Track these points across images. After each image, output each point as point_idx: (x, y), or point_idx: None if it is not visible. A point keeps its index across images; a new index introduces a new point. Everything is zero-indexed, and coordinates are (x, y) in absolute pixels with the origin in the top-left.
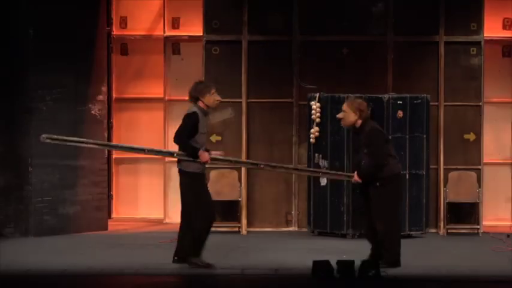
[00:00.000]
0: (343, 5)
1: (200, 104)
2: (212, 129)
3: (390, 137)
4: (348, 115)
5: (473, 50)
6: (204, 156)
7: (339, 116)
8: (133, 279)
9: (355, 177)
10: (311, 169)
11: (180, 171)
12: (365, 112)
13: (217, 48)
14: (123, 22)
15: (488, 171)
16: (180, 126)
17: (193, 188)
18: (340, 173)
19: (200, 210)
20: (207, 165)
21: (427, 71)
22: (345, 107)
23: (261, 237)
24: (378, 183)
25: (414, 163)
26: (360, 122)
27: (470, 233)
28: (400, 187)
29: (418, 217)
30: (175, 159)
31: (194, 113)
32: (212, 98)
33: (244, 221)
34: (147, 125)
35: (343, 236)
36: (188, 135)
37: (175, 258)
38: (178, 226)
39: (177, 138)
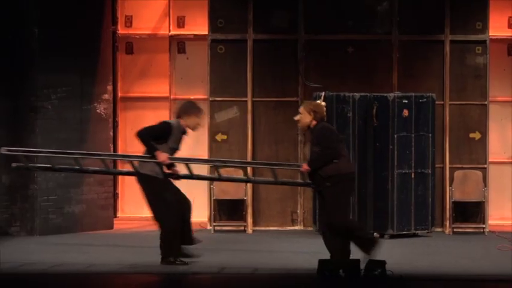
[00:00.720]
0: (348, 3)
1: (181, 122)
2: (217, 129)
3: (396, 136)
4: (303, 117)
5: (478, 49)
6: (161, 156)
7: (296, 118)
8: (139, 277)
9: (304, 166)
10: (266, 179)
11: (136, 173)
12: (319, 114)
13: (223, 47)
14: (129, 21)
15: (493, 170)
16: (148, 126)
17: (148, 189)
18: (291, 163)
19: (164, 211)
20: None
21: (432, 69)
22: (301, 109)
23: (267, 236)
24: (328, 183)
25: (420, 162)
26: (314, 123)
27: (476, 232)
28: (350, 186)
29: (423, 216)
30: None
31: (169, 123)
32: (195, 121)
33: (249, 220)
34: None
35: None
36: (152, 136)
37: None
38: None
39: (140, 133)
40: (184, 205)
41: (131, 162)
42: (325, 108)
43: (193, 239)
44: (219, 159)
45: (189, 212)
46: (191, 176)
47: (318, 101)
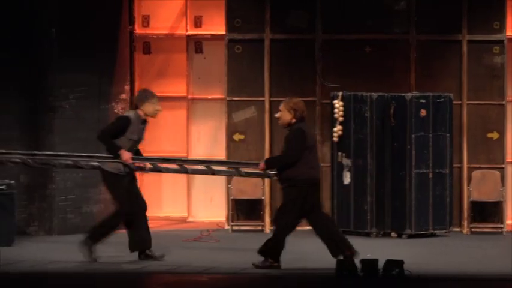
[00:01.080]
0: (366, 3)
1: (139, 112)
2: (235, 128)
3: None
4: (284, 114)
5: (496, 49)
6: (125, 155)
7: (276, 115)
8: (156, 277)
9: (261, 165)
10: (228, 170)
11: (100, 169)
12: (299, 112)
13: (240, 46)
14: (146, 21)
15: (511, 169)
16: (107, 125)
17: (110, 188)
18: (249, 162)
19: (119, 207)
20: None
21: (449, 69)
22: (281, 107)
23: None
24: (286, 184)
25: (437, 162)
26: (294, 121)
27: (493, 231)
28: (307, 192)
29: (441, 216)
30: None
31: (126, 117)
32: (151, 107)
33: (267, 219)
34: (170, 123)
35: (367, 235)
36: (112, 135)
37: (141, 256)
38: (202, 224)
39: (100, 136)
40: (142, 210)
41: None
42: (304, 107)
43: (150, 243)
44: (180, 158)
45: (145, 215)
46: (160, 169)
47: (293, 99)
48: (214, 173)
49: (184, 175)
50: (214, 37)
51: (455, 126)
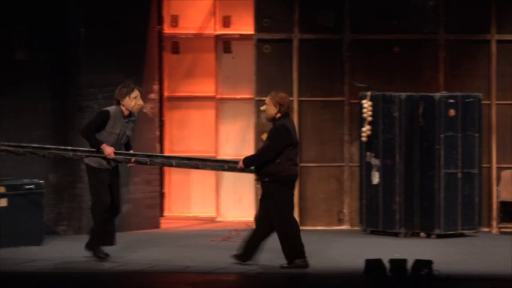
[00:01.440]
0: (394, 3)
1: (122, 107)
2: (263, 128)
3: (442, 136)
4: (269, 108)
5: None
6: (107, 149)
7: (262, 108)
8: (185, 277)
9: (240, 163)
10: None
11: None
12: (285, 107)
13: (268, 46)
14: (175, 21)
15: None
16: (89, 121)
17: (91, 180)
18: (226, 159)
19: (97, 204)
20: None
21: (478, 69)
22: (267, 100)
23: (313, 236)
24: (266, 179)
25: (466, 162)
26: (278, 115)
27: None
28: (287, 188)
29: (470, 216)
30: None
31: (106, 111)
32: (133, 101)
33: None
34: (199, 123)
35: (396, 235)
36: (92, 129)
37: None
38: (231, 224)
39: (82, 131)
40: (114, 208)
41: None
42: (290, 101)
43: (114, 240)
44: (155, 153)
45: (115, 214)
46: (145, 162)
47: (279, 93)
48: (198, 166)
49: (214, 175)
50: (243, 37)
51: (484, 126)
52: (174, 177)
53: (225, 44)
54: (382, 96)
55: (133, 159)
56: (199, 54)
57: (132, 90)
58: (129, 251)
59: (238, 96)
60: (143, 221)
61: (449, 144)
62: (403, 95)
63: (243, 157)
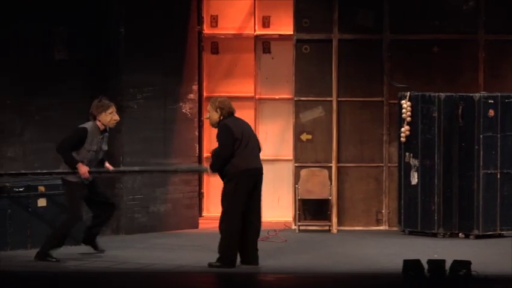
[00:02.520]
0: (434, 3)
1: (97, 122)
2: (302, 128)
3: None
4: (211, 114)
5: None
6: (82, 169)
7: (205, 117)
8: (221, 276)
9: (210, 170)
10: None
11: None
12: (226, 109)
13: (308, 46)
14: (214, 21)
15: None
16: (65, 137)
17: (67, 193)
18: (200, 168)
19: (69, 215)
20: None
21: None
22: (208, 107)
23: (352, 236)
24: (225, 180)
25: (505, 162)
26: (221, 118)
27: None
28: (240, 185)
29: (509, 216)
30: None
31: (83, 128)
32: (108, 117)
33: (334, 219)
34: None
35: (434, 235)
36: (69, 147)
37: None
38: (269, 224)
39: (58, 148)
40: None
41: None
42: (230, 103)
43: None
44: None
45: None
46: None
47: (218, 98)
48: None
49: None
50: (282, 37)
51: None
52: (212, 177)
53: (264, 44)
54: (421, 97)
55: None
56: (238, 55)
57: (108, 106)
58: (165, 251)
59: (277, 97)
60: (182, 221)
61: (488, 144)
62: (443, 95)
63: (281, 157)
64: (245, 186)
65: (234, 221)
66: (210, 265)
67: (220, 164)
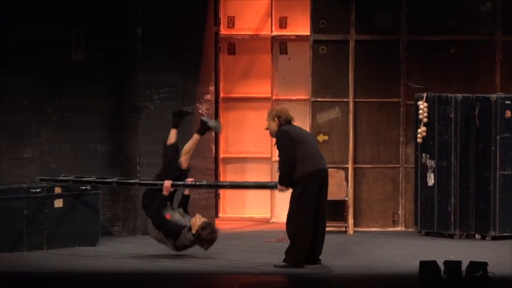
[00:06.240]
0: (451, 4)
1: None
2: (319, 129)
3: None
4: (270, 124)
5: None
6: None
7: (265, 128)
8: (240, 278)
9: (279, 186)
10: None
11: None
12: (283, 118)
13: (325, 47)
14: (231, 22)
15: None
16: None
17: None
18: (269, 183)
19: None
20: None
21: None
22: (266, 118)
23: (368, 237)
24: (293, 186)
25: None
26: (280, 126)
27: None
28: (308, 186)
29: None
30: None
31: None
32: None
33: (350, 220)
34: (254, 124)
35: (451, 237)
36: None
37: None
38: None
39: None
40: None
41: None
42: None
43: None
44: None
45: None
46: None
47: (275, 107)
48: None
49: (268, 177)
50: (299, 38)
51: None
52: (229, 178)
53: (281, 45)
54: (438, 98)
55: None
56: (255, 55)
57: None
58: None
59: (294, 97)
60: None
61: (505, 145)
62: (459, 96)
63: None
64: (313, 187)
65: (300, 223)
66: (276, 266)
67: (288, 172)
